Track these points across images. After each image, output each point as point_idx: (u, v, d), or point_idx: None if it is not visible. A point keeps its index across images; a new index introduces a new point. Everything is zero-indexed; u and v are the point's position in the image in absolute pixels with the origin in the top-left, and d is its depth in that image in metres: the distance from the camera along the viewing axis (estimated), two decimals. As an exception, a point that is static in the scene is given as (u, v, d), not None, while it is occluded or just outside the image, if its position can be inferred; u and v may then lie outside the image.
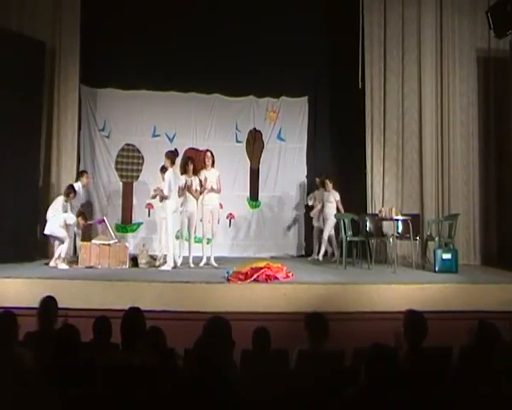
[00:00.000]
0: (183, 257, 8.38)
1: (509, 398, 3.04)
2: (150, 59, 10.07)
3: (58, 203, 8.24)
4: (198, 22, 10.09)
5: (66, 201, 8.27)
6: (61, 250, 8.04)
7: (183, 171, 8.43)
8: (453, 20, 9.82)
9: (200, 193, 8.49)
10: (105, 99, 10.47)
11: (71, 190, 8.33)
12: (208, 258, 8.48)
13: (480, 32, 9.76)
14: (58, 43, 9.44)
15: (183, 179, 8.33)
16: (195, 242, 8.73)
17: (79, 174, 9.21)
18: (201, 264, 8.45)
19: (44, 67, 9.24)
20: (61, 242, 8.07)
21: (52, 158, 9.46)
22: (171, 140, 10.60)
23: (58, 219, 8.08)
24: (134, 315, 3.76)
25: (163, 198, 8.15)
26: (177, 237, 8.40)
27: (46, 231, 8.16)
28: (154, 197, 8.61)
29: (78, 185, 8.78)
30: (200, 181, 8.51)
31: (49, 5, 9.40)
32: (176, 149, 8.44)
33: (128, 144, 10.56)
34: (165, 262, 8.16)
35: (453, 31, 9.81)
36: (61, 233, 8.07)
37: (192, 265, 8.33)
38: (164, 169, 8.45)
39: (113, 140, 10.52)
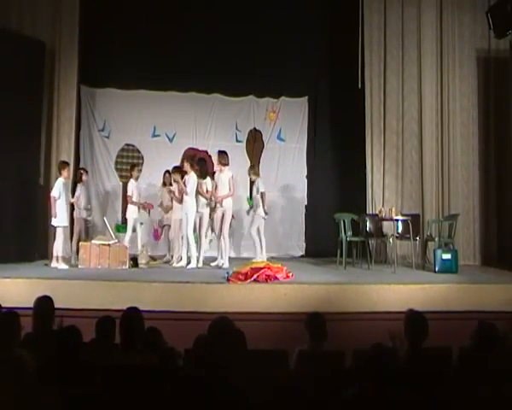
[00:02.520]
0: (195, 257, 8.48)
1: (509, 398, 3.04)
2: (150, 59, 10.08)
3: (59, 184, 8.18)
4: (198, 22, 10.08)
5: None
6: (57, 249, 8.03)
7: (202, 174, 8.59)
8: (453, 19, 9.82)
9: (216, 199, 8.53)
10: (105, 99, 10.48)
11: (65, 165, 8.35)
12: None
13: (480, 32, 9.75)
14: (58, 43, 9.46)
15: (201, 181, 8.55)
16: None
17: (131, 168, 9.26)
18: (216, 263, 8.54)
19: (44, 67, 9.26)
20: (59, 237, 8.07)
21: (52, 158, 9.47)
22: (170, 140, 10.62)
23: (62, 206, 8.06)
24: (132, 315, 3.76)
25: (181, 199, 8.46)
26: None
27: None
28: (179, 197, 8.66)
29: (132, 182, 8.96)
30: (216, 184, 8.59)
31: (48, 5, 9.42)
32: (195, 154, 8.87)
33: (128, 144, 10.57)
34: (184, 261, 8.45)
35: (453, 30, 9.81)
36: (61, 223, 8.04)
37: (200, 264, 8.35)
38: (175, 169, 8.81)
39: (113, 140, 10.53)
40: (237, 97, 10.73)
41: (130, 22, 9.90)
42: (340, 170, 10.48)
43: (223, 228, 8.46)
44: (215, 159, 8.73)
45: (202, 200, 8.51)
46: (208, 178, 8.59)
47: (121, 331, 3.70)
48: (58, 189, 8.02)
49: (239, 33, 10.04)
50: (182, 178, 8.55)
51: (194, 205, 8.37)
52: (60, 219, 8.05)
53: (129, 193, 8.95)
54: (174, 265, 8.58)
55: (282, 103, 10.86)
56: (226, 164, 8.52)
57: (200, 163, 8.73)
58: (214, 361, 3.02)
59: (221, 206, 8.45)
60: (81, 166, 10.06)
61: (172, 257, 8.94)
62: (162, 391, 3.14)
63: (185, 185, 8.35)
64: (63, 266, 8.00)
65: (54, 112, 9.49)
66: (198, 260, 8.35)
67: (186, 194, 8.31)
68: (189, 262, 8.39)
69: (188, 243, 8.38)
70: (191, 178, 8.38)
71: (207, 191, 8.50)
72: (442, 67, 9.77)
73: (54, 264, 8.04)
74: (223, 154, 8.63)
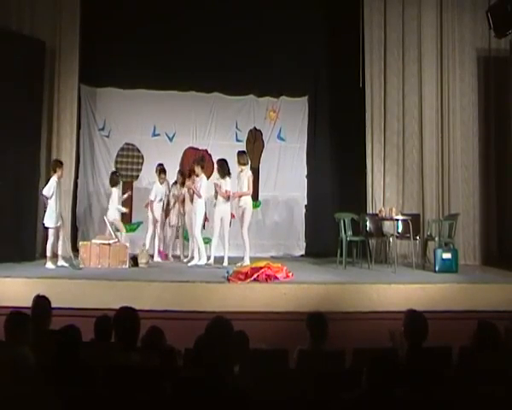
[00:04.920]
0: (216, 257, 8.51)
1: (508, 398, 3.04)
2: (150, 58, 10.06)
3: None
4: (198, 21, 10.08)
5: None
6: (47, 249, 8.02)
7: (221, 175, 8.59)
8: (453, 19, 9.82)
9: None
10: (105, 98, 10.47)
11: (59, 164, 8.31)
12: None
13: (480, 31, 9.75)
14: (58, 42, 9.45)
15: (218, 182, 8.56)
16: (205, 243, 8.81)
17: (158, 171, 9.28)
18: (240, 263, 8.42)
19: (44, 66, 9.24)
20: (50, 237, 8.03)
21: (52, 157, 9.44)
22: (170, 139, 10.62)
23: (52, 206, 7.98)
24: (126, 315, 3.74)
25: (192, 199, 8.70)
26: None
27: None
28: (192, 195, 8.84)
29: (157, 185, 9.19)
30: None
31: (48, 5, 9.40)
32: (203, 156, 9.07)
33: (128, 144, 10.56)
34: (193, 258, 8.68)
35: (453, 30, 9.81)
36: (51, 224, 8.00)
37: (226, 264, 8.28)
38: (181, 172, 9.39)
39: (113, 139, 10.52)
40: (237, 96, 10.72)
41: (131, 22, 9.89)
42: (341, 170, 10.48)
43: (243, 227, 8.41)
44: (243, 157, 8.70)
45: (222, 199, 8.47)
46: (227, 178, 8.52)
47: (116, 332, 3.69)
48: (52, 188, 7.96)
49: (239, 33, 10.02)
50: (190, 177, 8.84)
51: (203, 206, 8.55)
52: (49, 219, 7.98)
53: (151, 197, 9.15)
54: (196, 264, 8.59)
55: (282, 103, 10.85)
56: (246, 163, 8.58)
57: (221, 163, 8.67)
58: (213, 361, 3.01)
59: (239, 204, 8.44)
60: (81, 165, 10.09)
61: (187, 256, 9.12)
62: (162, 391, 3.14)
63: (195, 189, 8.54)
64: (50, 265, 7.92)
65: (54, 111, 9.48)
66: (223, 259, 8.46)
67: (200, 197, 8.48)
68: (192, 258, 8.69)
69: (197, 243, 8.53)
70: (202, 180, 8.53)
71: (226, 191, 8.48)
72: (442, 66, 9.77)
73: (47, 265, 7.99)
74: (242, 154, 8.74)
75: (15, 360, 3.09)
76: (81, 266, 8.04)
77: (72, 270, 7.85)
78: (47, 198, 8.00)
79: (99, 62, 10.15)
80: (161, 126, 10.60)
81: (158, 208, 9.16)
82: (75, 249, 8.77)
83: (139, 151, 10.58)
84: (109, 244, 8.26)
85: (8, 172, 8.48)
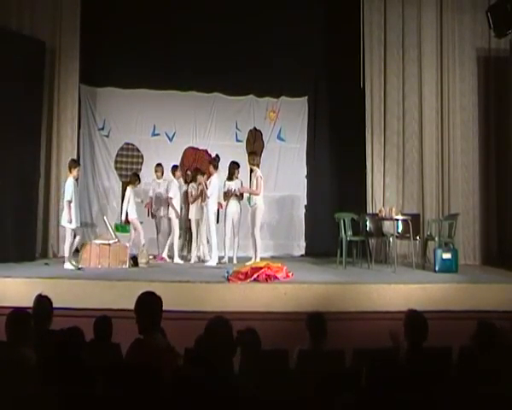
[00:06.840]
0: (229, 257, 8.70)
1: (509, 398, 3.04)
2: (150, 58, 10.08)
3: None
4: (198, 21, 10.08)
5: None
6: (64, 250, 8.02)
7: (230, 176, 8.75)
8: (453, 19, 9.82)
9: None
10: (104, 98, 10.48)
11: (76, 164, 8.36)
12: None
13: (480, 31, 9.75)
14: (58, 42, 9.45)
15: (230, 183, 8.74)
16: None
17: (174, 169, 9.37)
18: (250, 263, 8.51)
19: (44, 66, 9.24)
20: (67, 238, 8.03)
21: (52, 157, 9.47)
22: (170, 139, 10.62)
23: (72, 209, 7.98)
24: (150, 299, 3.77)
25: (202, 199, 8.82)
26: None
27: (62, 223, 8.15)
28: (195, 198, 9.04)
29: (175, 182, 9.22)
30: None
31: (48, 5, 9.41)
32: (217, 155, 9.06)
33: (127, 143, 10.57)
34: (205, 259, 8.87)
35: (453, 30, 9.81)
36: (67, 224, 8.02)
37: (235, 261, 8.46)
38: (175, 168, 9.31)
39: (113, 139, 10.53)
40: (237, 97, 10.73)
41: (131, 21, 9.90)
42: (340, 170, 10.49)
43: (255, 226, 8.48)
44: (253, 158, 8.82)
45: (233, 200, 8.67)
46: (238, 180, 8.75)
47: (139, 315, 3.69)
48: (70, 191, 7.91)
49: (239, 33, 10.03)
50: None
51: (214, 205, 8.65)
52: (68, 219, 7.98)
53: (170, 194, 9.10)
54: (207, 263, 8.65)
55: (282, 103, 10.86)
56: (254, 164, 8.66)
57: (230, 166, 8.82)
58: (213, 361, 3.01)
59: (242, 199, 8.66)
60: (81, 165, 10.06)
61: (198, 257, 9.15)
62: (162, 391, 3.14)
63: (207, 187, 8.59)
64: (68, 265, 7.94)
65: (54, 111, 9.48)
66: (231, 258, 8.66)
67: (207, 197, 8.57)
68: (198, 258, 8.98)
69: (210, 242, 8.66)
70: (212, 179, 8.62)
71: (239, 189, 8.66)
72: (442, 66, 9.77)
73: (66, 265, 7.93)
74: (253, 155, 8.87)
75: (17, 360, 3.09)
76: (80, 266, 8.00)
77: (73, 270, 7.84)
78: (69, 202, 7.92)
79: (99, 62, 10.15)
80: (161, 126, 10.61)
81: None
82: (75, 250, 8.76)
83: (139, 151, 10.59)
84: (109, 244, 8.26)
85: (9, 171, 8.48)
